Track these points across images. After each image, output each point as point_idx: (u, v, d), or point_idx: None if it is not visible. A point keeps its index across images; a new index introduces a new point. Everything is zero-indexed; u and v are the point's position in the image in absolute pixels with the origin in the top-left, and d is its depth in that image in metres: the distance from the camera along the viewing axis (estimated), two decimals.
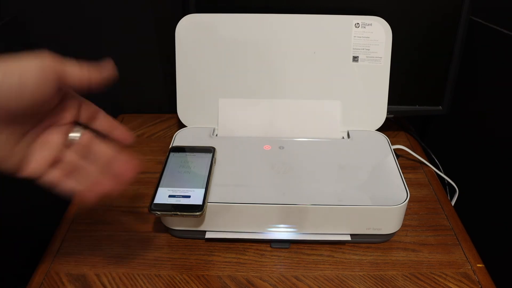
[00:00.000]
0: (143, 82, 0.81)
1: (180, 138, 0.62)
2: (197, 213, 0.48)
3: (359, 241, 0.54)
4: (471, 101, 0.71)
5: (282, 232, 0.53)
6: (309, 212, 0.51)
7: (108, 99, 0.83)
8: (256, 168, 0.56)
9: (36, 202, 0.74)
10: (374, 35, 0.61)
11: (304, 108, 0.64)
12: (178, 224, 0.53)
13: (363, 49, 0.62)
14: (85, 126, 0.42)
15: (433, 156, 0.72)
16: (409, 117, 0.80)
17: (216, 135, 0.64)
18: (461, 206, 0.67)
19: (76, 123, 0.42)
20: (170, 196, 0.50)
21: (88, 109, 0.42)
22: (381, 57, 0.62)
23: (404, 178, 0.54)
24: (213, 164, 0.56)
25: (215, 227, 0.53)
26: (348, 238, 0.53)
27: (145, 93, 0.83)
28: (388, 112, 0.65)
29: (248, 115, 0.64)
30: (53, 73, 0.35)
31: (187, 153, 0.57)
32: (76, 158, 0.41)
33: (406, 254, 0.54)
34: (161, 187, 0.52)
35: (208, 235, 0.53)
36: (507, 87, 0.62)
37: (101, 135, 0.43)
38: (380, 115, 0.64)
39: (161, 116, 0.82)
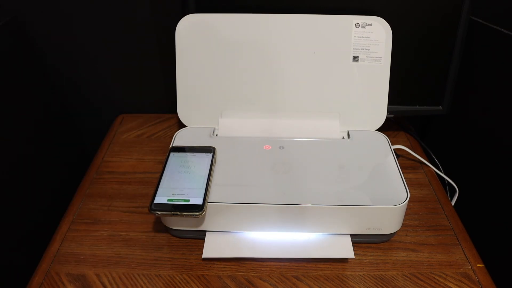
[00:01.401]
0: (143, 82, 0.81)
1: (180, 138, 0.62)
2: (197, 213, 0.48)
3: (359, 241, 0.54)
4: (471, 101, 0.71)
5: (278, 250, 0.52)
6: (309, 212, 0.51)
7: (108, 99, 0.84)
8: (256, 168, 0.56)
9: (36, 202, 0.74)
10: (374, 35, 0.61)
11: (304, 122, 0.64)
12: (178, 224, 0.53)
13: (363, 49, 0.62)
14: None
15: (433, 156, 0.72)
16: (409, 117, 0.80)
17: (216, 135, 0.64)
18: (461, 206, 0.67)
19: None
20: (170, 196, 0.50)
21: None
22: (381, 57, 0.62)
23: (404, 178, 0.54)
24: (213, 164, 0.56)
25: (215, 227, 0.53)
26: (351, 254, 0.51)
27: (145, 93, 0.83)
28: (388, 112, 0.65)
29: (248, 124, 0.64)
30: None
31: (187, 153, 0.57)
32: None
33: (406, 254, 0.54)
34: (161, 187, 0.52)
35: (205, 254, 0.52)
36: (507, 87, 0.62)
37: None
38: (380, 115, 0.64)
39: (161, 116, 0.82)
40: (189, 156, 0.57)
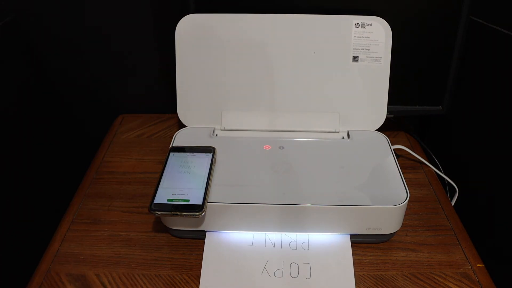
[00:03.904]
0: (143, 82, 0.81)
1: (180, 138, 0.62)
2: (197, 213, 0.48)
3: (359, 241, 0.54)
4: (471, 101, 0.71)
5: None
6: (309, 212, 0.51)
7: (108, 99, 0.84)
8: (256, 168, 0.56)
9: (36, 202, 0.74)
10: (374, 35, 0.61)
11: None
12: (178, 224, 0.53)
13: (363, 49, 0.62)
14: None
15: (433, 156, 0.72)
16: (409, 117, 0.80)
17: (216, 135, 0.64)
18: (461, 206, 0.67)
19: None
20: (170, 196, 0.50)
21: None
22: (381, 57, 0.62)
23: (404, 178, 0.54)
24: (213, 164, 0.56)
25: (215, 227, 0.53)
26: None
27: (145, 93, 0.83)
28: (388, 112, 0.64)
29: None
30: None
31: (187, 153, 0.57)
32: None
33: (406, 254, 0.54)
34: (161, 187, 0.52)
35: None
36: (507, 87, 0.62)
37: None
38: (380, 115, 0.64)
39: (161, 116, 0.82)
40: (189, 156, 0.57)
